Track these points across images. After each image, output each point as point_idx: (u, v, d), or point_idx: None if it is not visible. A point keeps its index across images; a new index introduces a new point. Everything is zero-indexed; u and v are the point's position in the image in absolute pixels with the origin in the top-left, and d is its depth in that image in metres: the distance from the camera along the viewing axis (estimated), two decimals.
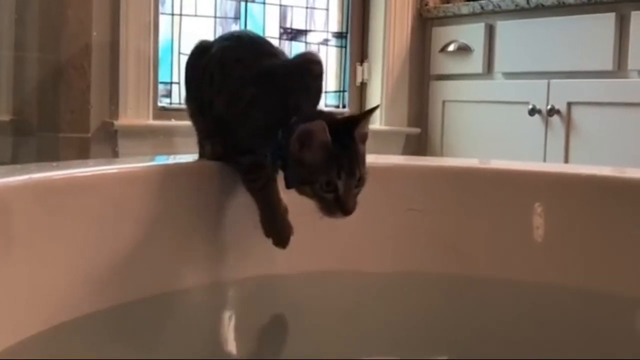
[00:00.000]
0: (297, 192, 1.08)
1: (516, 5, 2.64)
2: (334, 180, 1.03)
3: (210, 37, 1.32)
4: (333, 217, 1.06)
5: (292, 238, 1.16)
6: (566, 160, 2.50)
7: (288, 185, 1.10)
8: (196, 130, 1.28)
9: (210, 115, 1.21)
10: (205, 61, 1.23)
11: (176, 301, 1.13)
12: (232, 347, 1.02)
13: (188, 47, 1.32)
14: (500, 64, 2.74)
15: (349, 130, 1.05)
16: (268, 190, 1.15)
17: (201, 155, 1.27)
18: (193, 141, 1.29)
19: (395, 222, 1.32)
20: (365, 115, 1.08)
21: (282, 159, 1.09)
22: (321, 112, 1.12)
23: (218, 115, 1.19)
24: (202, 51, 1.26)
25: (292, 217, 1.16)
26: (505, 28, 2.72)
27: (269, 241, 1.18)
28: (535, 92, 2.59)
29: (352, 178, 1.04)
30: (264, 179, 1.14)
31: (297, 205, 1.11)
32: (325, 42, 3.05)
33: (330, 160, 1.03)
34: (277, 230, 1.16)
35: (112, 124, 2.45)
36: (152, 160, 1.31)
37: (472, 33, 2.82)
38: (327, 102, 3.05)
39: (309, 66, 1.18)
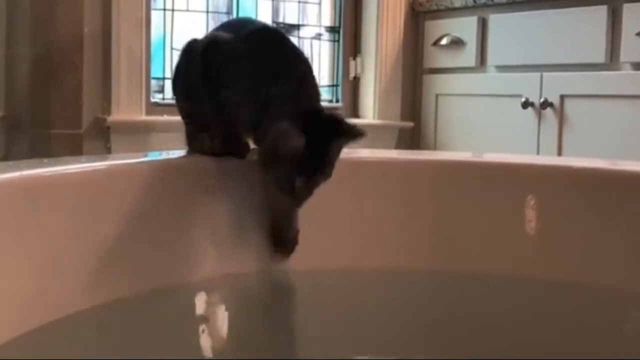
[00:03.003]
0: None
1: None
2: (293, 178, 1.06)
3: (203, 33, 1.31)
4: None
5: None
6: (559, 153, 2.50)
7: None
8: (190, 125, 1.27)
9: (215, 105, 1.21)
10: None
11: (170, 298, 1.13)
12: (227, 344, 1.02)
13: (180, 43, 1.31)
14: (493, 57, 2.74)
15: (326, 135, 1.06)
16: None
17: (196, 150, 1.25)
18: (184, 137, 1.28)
19: (389, 216, 1.32)
20: (346, 137, 1.07)
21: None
22: (304, 95, 1.09)
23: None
24: (195, 49, 1.26)
25: None
26: (497, 21, 2.72)
27: (263, 238, 1.18)
28: (528, 85, 2.59)
29: (310, 182, 1.08)
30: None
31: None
32: (318, 36, 3.05)
33: (296, 160, 1.04)
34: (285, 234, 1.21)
35: (105, 120, 2.45)
36: (145, 156, 1.30)
37: (464, 26, 2.81)
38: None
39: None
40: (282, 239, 1.21)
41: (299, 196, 1.10)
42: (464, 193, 1.33)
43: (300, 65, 1.14)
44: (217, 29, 1.28)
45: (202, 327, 1.08)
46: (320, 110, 1.09)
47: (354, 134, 1.07)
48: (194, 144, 1.25)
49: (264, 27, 1.21)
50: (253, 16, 2.86)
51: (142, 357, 0.91)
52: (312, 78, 1.14)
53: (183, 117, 1.28)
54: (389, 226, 1.31)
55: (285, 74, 1.10)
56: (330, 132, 1.06)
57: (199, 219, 1.19)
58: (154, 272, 1.12)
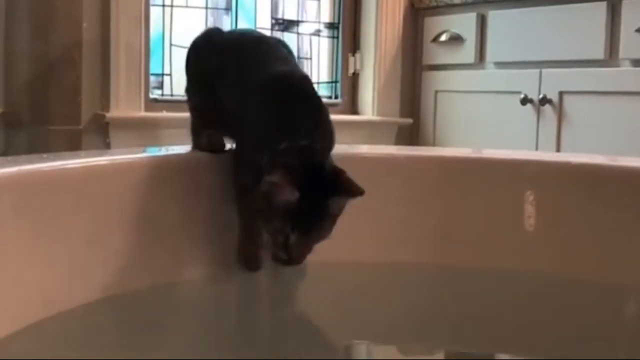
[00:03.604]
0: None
1: None
2: (287, 232, 1.02)
3: (202, 29, 1.30)
4: (276, 259, 1.06)
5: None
6: (558, 150, 2.50)
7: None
8: (194, 119, 1.27)
9: (215, 108, 1.19)
10: (215, 51, 1.21)
11: (169, 293, 1.13)
12: (226, 340, 1.01)
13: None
14: (492, 53, 2.74)
15: (326, 190, 1.01)
16: (253, 219, 1.14)
17: (196, 146, 1.25)
18: (185, 132, 1.28)
19: (388, 212, 1.32)
20: (346, 195, 1.03)
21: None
22: (311, 150, 1.04)
23: (225, 110, 1.17)
24: (210, 40, 1.25)
25: None
26: (496, 18, 2.72)
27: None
28: (527, 82, 2.59)
29: (307, 237, 1.03)
30: (252, 207, 1.10)
31: None
32: (317, 32, 3.04)
33: (291, 213, 1.00)
34: (246, 254, 1.18)
35: (104, 116, 2.44)
36: (144, 151, 1.30)
37: (463, 23, 2.81)
38: (320, 93, 3.04)
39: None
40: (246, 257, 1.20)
41: (294, 252, 1.04)
42: (464, 189, 1.33)
43: (316, 119, 1.09)
44: (244, 43, 1.23)
45: (202, 323, 1.08)
46: (324, 164, 1.03)
47: (354, 192, 1.03)
48: (195, 139, 1.25)
49: (291, 74, 1.15)
50: (252, 12, 2.86)
51: (139, 354, 0.91)
52: (326, 131, 1.09)
53: (190, 109, 1.27)
54: (388, 221, 1.31)
55: (297, 130, 1.05)
56: (330, 187, 1.02)
57: (198, 214, 1.19)
58: (153, 268, 1.12)
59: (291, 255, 1.04)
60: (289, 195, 0.99)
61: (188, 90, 1.29)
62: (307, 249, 1.05)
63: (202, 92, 1.24)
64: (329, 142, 1.09)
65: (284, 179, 0.99)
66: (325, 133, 1.09)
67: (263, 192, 1.01)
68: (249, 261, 1.18)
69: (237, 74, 1.16)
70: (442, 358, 1.02)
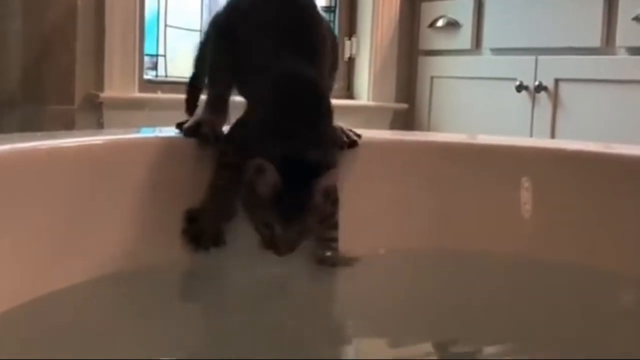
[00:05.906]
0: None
1: None
2: (271, 221, 1.01)
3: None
4: (268, 250, 1.03)
5: None
6: (552, 137, 2.51)
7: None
8: (210, 89, 1.23)
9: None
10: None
11: (160, 275, 1.12)
12: (221, 333, 1.01)
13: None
14: (489, 39, 2.74)
15: (310, 176, 1.00)
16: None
17: (187, 129, 1.22)
18: (178, 114, 1.27)
19: (383, 197, 1.32)
20: (325, 174, 1.01)
21: None
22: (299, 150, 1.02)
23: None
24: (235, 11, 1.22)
25: None
26: (493, 3, 2.72)
27: None
28: (523, 69, 2.58)
29: (291, 226, 1.00)
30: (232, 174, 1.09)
31: None
32: None
33: (275, 201, 0.99)
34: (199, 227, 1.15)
35: (98, 95, 2.44)
36: (137, 132, 1.29)
37: (460, 8, 2.81)
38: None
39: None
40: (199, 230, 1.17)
41: (279, 245, 1.01)
42: (459, 174, 1.33)
43: (320, 131, 1.08)
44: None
45: (196, 313, 1.08)
46: (309, 158, 1.01)
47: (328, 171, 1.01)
48: (189, 122, 1.21)
49: (295, 79, 1.11)
50: None
51: (132, 353, 0.90)
52: (320, 137, 1.07)
53: (208, 80, 1.25)
54: (383, 207, 1.31)
55: (298, 136, 1.03)
56: (312, 175, 1.00)
57: (188, 196, 1.18)
58: (142, 249, 1.12)
59: (279, 248, 1.02)
60: (272, 177, 0.98)
61: (212, 56, 1.23)
62: (292, 243, 1.02)
63: (223, 78, 1.21)
64: (324, 148, 1.07)
65: (265, 162, 0.98)
66: (320, 138, 1.07)
67: (248, 179, 1.00)
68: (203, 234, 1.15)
69: (253, 62, 1.14)
70: (436, 351, 1.02)
